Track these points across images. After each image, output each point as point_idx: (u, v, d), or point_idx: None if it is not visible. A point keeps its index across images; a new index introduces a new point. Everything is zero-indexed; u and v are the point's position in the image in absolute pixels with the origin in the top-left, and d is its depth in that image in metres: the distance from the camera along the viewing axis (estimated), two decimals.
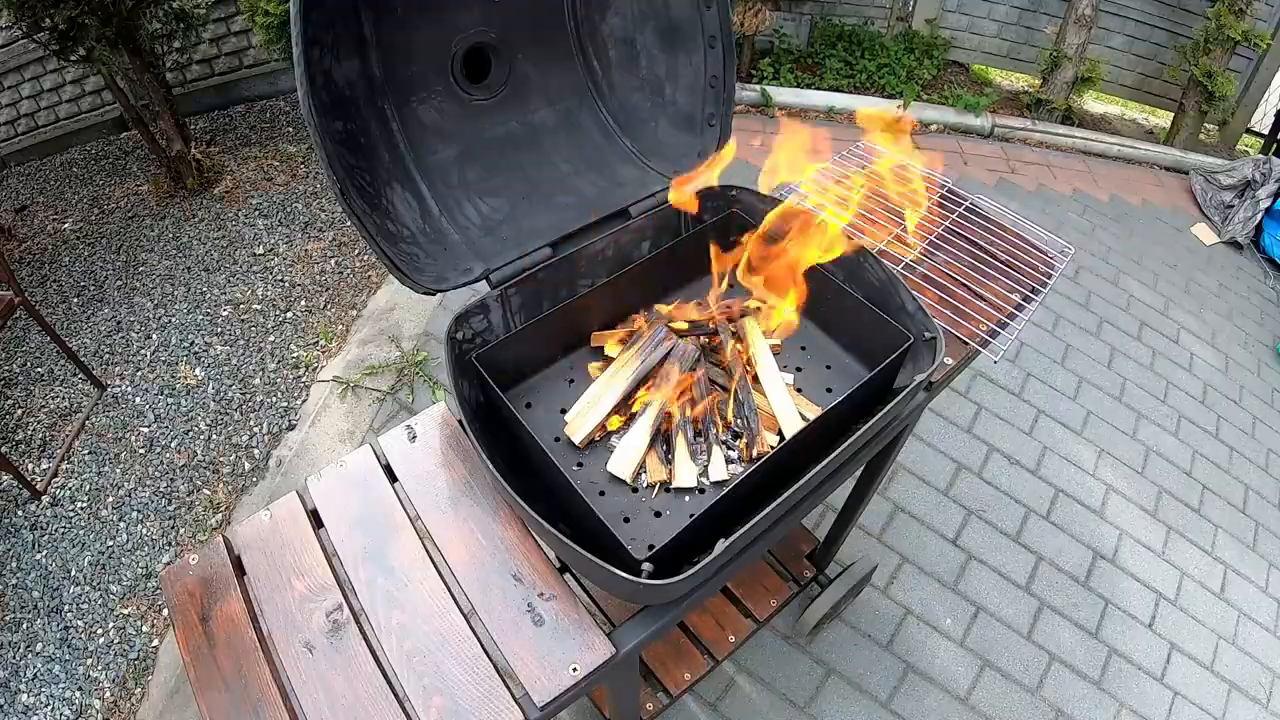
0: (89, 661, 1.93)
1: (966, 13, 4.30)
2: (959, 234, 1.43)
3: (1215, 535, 2.31)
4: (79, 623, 2.00)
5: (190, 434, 2.42)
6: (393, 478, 1.04)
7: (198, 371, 2.62)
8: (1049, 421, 2.53)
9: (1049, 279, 1.36)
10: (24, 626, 2.00)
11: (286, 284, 2.93)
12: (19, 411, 2.52)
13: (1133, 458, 2.47)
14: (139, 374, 2.62)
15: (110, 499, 2.26)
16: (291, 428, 2.43)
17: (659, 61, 1.23)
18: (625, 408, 1.12)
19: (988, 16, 4.29)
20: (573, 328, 1.19)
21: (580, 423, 1.10)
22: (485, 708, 0.83)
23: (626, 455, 1.06)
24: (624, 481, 1.07)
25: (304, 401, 2.51)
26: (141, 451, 2.38)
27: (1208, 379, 2.83)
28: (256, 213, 3.27)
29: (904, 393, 0.99)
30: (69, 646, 1.96)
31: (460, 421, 1.08)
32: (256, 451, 2.37)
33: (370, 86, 0.99)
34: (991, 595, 2.06)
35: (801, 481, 0.86)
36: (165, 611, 2.00)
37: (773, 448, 1.07)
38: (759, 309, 1.25)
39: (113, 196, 3.45)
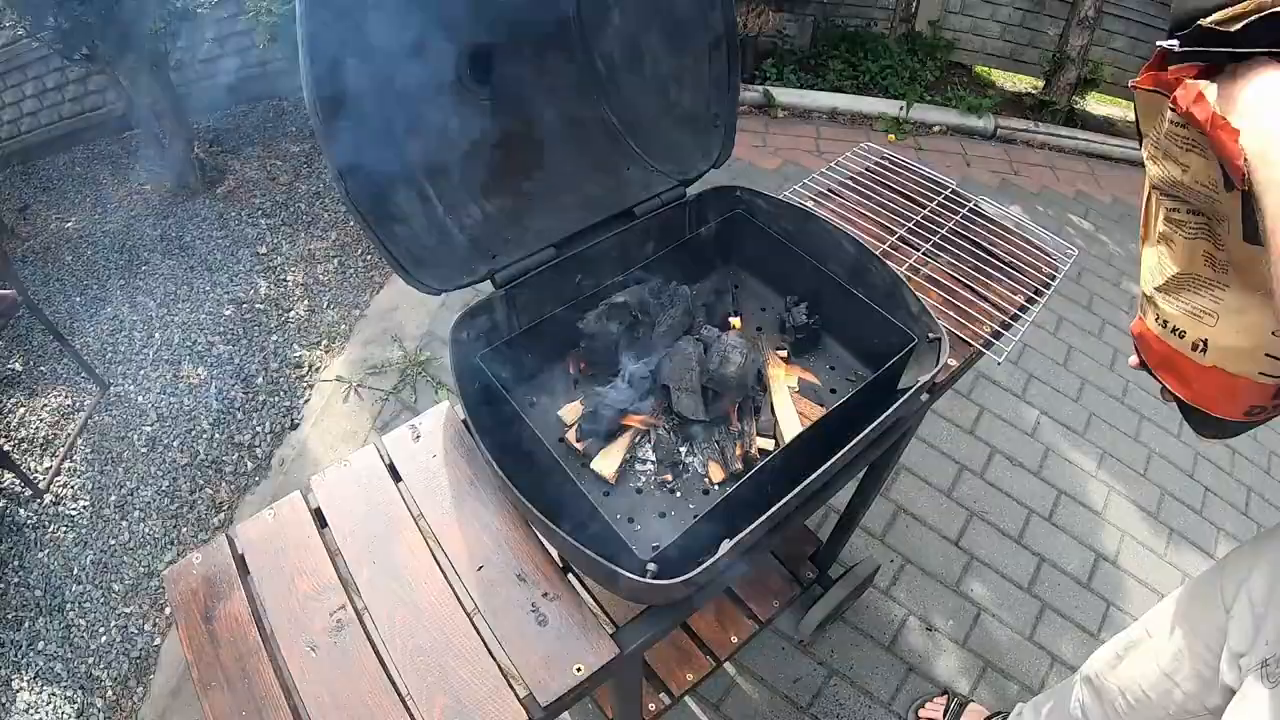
0: (91, 660, 1.93)
1: (969, 14, 4.30)
2: (963, 236, 1.43)
3: (1217, 537, 2.30)
4: (81, 621, 2.00)
5: (192, 433, 2.42)
6: (396, 477, 1.04)
7: (200, 371, 2.62)
8: (1051, 423, 2.52)
9: (1053, 281, 1.36)
10: (26, 625, 2.00)
11: (289, 283, 2.93)
12: (21, 410, 2.52)
13: (1135, 459, 2.46)
14: (141, 373, 2.62)
15: (112, 498, 2.26)
16: (294, 427, 2.43)
17: (663, 62, 1.23)
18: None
19: (991, 18, 4.29)
20: (577, 328, 1.19)
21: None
22: (489, 707, 0.83)
23: (610, 455, 1.07)
24: (628, 481, 1.07)
25: (307, 401, 2.51)
26: (144, 450, 2.38)
27: None
28: (259, 212, 3.27)
29: (908, 394, 0.99)
30: (71, 645, 1.96)
31: (464, 421, 1.08)
32: (259, 451, 2.37)
33: (375, 86, 0.99)
34: (994, 597, 2.06)
35: (806, 482, 0.86)
36: (167, 610, 2.00)
37: (776, 449, 1.07)
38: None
39: (115, 195, 3.45)
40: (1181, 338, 0.84)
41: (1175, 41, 0.68)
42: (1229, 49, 0.64)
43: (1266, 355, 0.77)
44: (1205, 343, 0.81)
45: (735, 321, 1.27)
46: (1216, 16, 0.65)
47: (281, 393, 2.53)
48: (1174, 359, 0.87)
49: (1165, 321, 0.86)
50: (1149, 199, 0.85)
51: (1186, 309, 0.82)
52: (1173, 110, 0.69)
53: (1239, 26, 0.63)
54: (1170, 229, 0.80)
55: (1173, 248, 0.81)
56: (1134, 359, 0.96)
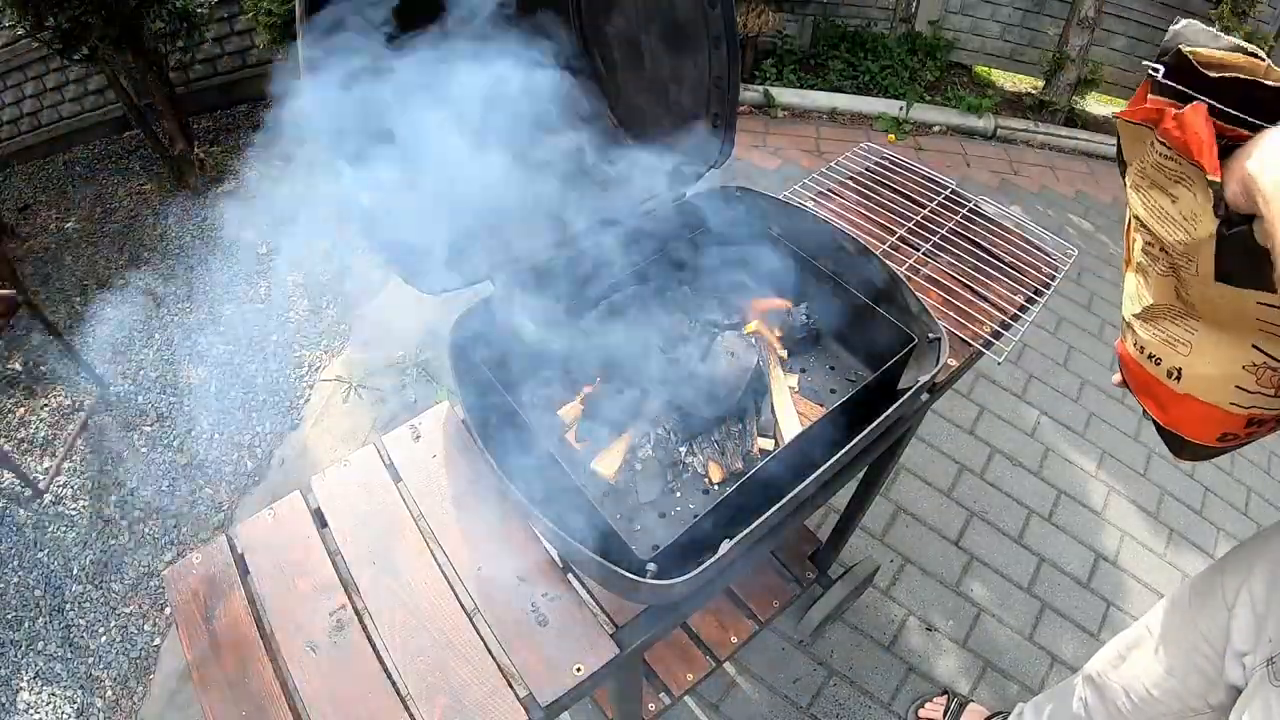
0: (91, 660, 1.93)
1: (969, 14, 4.30)
2: (963, 236, 1.43)
3: (1217, 537, 2.30)
4: (81, 621, 2.00)
5: (192, 433, 2.42)
6: (396, 477, 1.04)
7: (200, 371, 2.62)
8: (1051, 423, 2.52)
9: (1052, 281, 1.36)
10: (26, 625, 2.00)
11: (289, 283, 2.93)
12: (21, 410, 2.52)
13: (1135, 459, 2.46)
14: (141, 373, 2.62)
15: (112, 498, 2.26)
16: (294, 427, 2.43)
17: (663, 62, 1.23)
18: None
19: (991, 18, 4.29)
20: (577, 329, 1.19)
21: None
22: (489, 707, 0.83)
23: (610, 455, 1.06)
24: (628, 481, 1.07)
25: (306, 401, 2.51)
26: (144, 450, 2.38)
27: None
28: (260, 212, 3.27)
29: (908, 394, 0.99)
30: (71, 645, 1.96)
31: (464, 421, 1.08)
32: (259, 451, 2.37)
33: (376, 85, 0.99)
34: (994, 597, 2.06)
35: (806, 482, 0.86)
36: (167, 610, 2.00)
37: (776, 449, 1.07)
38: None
39: (115, 195, 3.46)
40: (1158, 365, 0.86)
41: (1160, 68, 0.71)
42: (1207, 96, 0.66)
43: (1236, 387, 0.79)
44: (1179, 371, 0.83)
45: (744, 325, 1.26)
46: (1203, 52, 0.67)
47: (281, 393, 2.53)
48: (1151, 384, 0.89)
49: (1142, 348, 0.88)
50: (1129, 226, 0.86)
51: (1162, 337, 0.85)
52: (1163, 143, 0.69)
53: (1215, 76, 0.66)
54: (1146, 261, 0.82)
55: (1148, 279, 0.84)
56: (1116, 376, 0.98)
